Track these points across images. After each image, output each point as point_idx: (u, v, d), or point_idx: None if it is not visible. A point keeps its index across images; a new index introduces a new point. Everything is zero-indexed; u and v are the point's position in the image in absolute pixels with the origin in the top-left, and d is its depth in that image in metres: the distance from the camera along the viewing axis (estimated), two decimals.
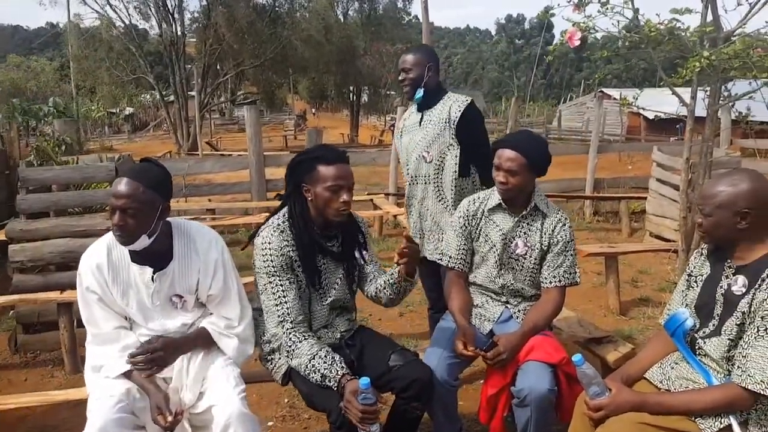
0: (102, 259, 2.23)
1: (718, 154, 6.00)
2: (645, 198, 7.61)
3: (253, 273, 2.41)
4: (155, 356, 2.17)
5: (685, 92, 4.35)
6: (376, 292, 2.53)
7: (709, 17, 4.03)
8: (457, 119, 3.06)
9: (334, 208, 2.33)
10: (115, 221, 2.13)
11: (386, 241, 7.43)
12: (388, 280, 2.45)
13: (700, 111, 4.25)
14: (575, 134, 28.54)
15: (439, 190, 3.13)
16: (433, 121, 3.12)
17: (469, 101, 3.13)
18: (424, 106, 3.17)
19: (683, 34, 3.91)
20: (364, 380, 2.02)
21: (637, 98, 4.31)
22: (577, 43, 3.65)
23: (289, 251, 2.33)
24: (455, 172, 3.08)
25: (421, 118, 3.19)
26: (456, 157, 3.07)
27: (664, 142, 14.98)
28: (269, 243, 2.33)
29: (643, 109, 4.31)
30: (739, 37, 3.79)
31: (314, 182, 2.32)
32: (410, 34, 36.66)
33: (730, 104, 4.14)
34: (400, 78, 3.16)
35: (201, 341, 2.32)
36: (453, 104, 3.10)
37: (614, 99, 22.72)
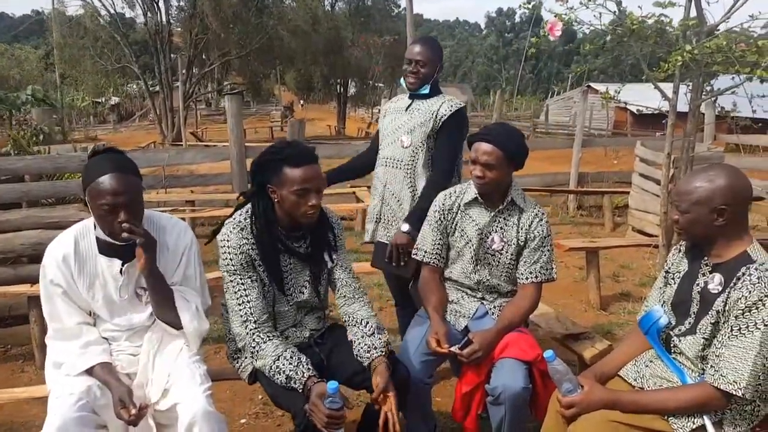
0: (69, 250, 2.16)
1: (701, 149, 5.98)
2: (628, 193, 7.60)
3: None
4: None
5: (668, 87, 4.32)
6: (344, 322, 2.43)
7: (693, 11, 3.99)
8: (446, 117, 2.97)
9: (301, 212, 2.22)
10: (122, 220, 2.04)
11: (366, 233, 7.35)
12: (361, 353, 2.29)
13: (684, 106, 4.23)
14: (562, 128, 28.55)
15: (410, 177, 3.03)
16: (422, 110, 3.04)
17: (462, 105, 3.07)
18: (418, 95, 3.09)
19: (667, 27, 3.87)
20: (333, 384, 1.96)
21: (619, 92, 4.28)
22: (558, 34, 3.60)
23: (248, 249, 2.24)
24: (429, 164, 3.02)
25: (410, 105, 3.11)
26: (430, 149, 3.01)
27: (650, 136, 15.02)
28: (228, 240, 2.24)
29: (626, 103, 4.28)
30: (722, 31, 3.76)
31: (280, 185, 2.21)
32: (399, 26, 36.47)
33: (714, 99, 4.10)
34: (411, 69, 3.03)
35: (163, 288, 2.19)
36: (447, 102, 3.03)
37: (601, 94, 22.72)
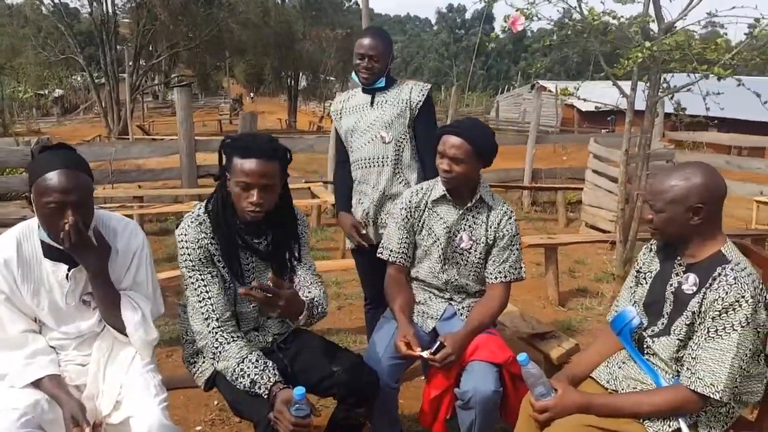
0: (11, 253, 1.97)
1: (655, 146, 6.09)
2: (581, 189, 7.69)
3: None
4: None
5: (625, 85, 4.34)
6: None
7: (651, 8, 4.01)
8: (421, 103, 2.92)
9: (242, 206, 2.10)
10: (72, 222, 1.87)
11: (324, 231, 7.24)
12: None
13: (640, 104, 4.25)
14: (512, 125, 28.94)
15: (400, 172, 2.93)
16: (390, 102, 2.93)
17: (429, 87, 3.01)
18: (376, 88, 2.97)
19: (625, 23, 3.87)
20: (299, 390, 1.85)
21: (578, 89, 4.27)
22: (520, 28, 3.56)
23: (207, 244, 2.11)
24: (415, 153, 2.93)
25: (373, 99, 2.98)
26: (413, 139, 2.93)
27: (597, 133, 15.31)
28: (185, 234, 2.11)
29: (585, 100, 4.27)
30: (679, 29, 3.78)
31: (231, 174, 2.09)
32: (351, 19, 36.29)
33: (670, 97, 4.14)
34: (363, 65, 2.90)
35: (108, 291, 2.03)
36: (414, 87, 2.95)
37: (549, 91, 23.06)
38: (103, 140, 19.23)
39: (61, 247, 1.95)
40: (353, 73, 2.99)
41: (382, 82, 2.94)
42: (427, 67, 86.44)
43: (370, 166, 2.96)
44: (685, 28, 3.75)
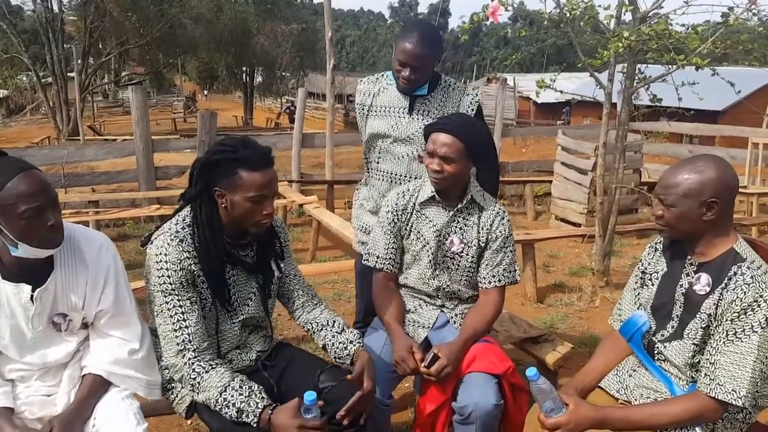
0: None
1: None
2: (550, 181, 7.64)
3: (147, 287, 1.98)
4: None
5: (600, 77, 4.26)
6: (308, 330, 2.22)
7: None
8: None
9: (254, 220, 1.92)
10: (54, 222, 1.71)
11: (291, 231, 7.02)
12: (338, 353, 2.13)
13: (601, 96, 4.18)
14: None
15: None
16: (434, 113, 2.57)
17: (479, 97, 2.64)
18: (416, 94, 2.61)
19: (601, 11, 3.78)
20: (310, 395, 1.74)
21: (554, 80, 4.17)
22: (500, 17, 3.43)
23: (190, 264, 1.90)
24: None
25: (412, 105, 2.63)
26: None
27: (552, 125, 15.43)
28: (165, 255, 1.88)
29: (562, 92, 4.17)
30: (659, 17, 3.71)
31: (233, 189, 1.89)
32: (304, 14, 35.83)
33: (646, 87, 4.07)
34: (404, 74, 2.50)
35: (96, 395, 1.87)
36: (463, 99, 2.61)
37: (508, 85, 23.18)
38: (53, 142, 18.54)
39: (25, 264, 1.75)
40: (391, 72, 2.64)
41: (424, 90, 2.60)
42: (383, 61, 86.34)
43: (398, 183, 2.67)
44: (665, 16, 3.67)
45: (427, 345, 2.34)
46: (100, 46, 25.53)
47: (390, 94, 2.69)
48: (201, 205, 1.94)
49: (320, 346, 2.18)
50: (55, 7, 23.08)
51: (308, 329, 2.21)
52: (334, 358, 2.13)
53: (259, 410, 1.80)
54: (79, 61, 22.03)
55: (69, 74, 23.21)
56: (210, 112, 8.27)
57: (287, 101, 33.30)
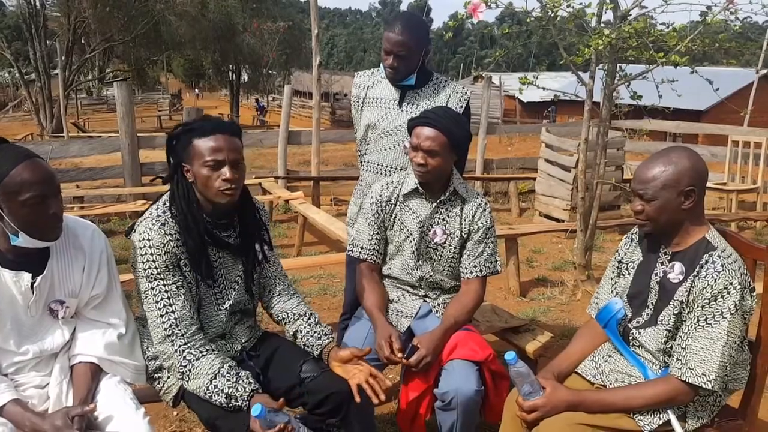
0: None
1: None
2: (533, 178, 7.72)
3: (133, 275, 2.01)
4: None
5: (583, 75, 4.33)
6: (281, 319, 2.23)
7: None
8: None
9: (215, 187, 1.92)
10: (56, 211, 1.73)
11: (277, 227, 7.04)
12: (311, 341, 2.16)
13: (583, 94, 4.25)
14: None
15: None
16: (423, 107, 2.58)
17: (469, 94, 2.68)
18: (406, 86, 2.63)
19: (583, 8, 3.85)
20: (256, 409, 1.72)
21: (537, 77, 4.24)
22: (481, 15, 3.48)
23: (173, 247, 1.92)
24: None
25: (402, 97, 2.66)
26: None
27: (537, 123, 15.55)
28: (148, 239, 1.90)
29: (544, 89, 4.24)
30: (636, 16, 3.78)
31: (191, 160, 1.92)
32: (290, 12, 35.74)
33: (627, 84, 4.15)
34: (388, 62, 2.54)
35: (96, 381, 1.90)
36: (452, 95, 2.63)
37: (493, 83, 23.31)
38: (36, 138, 18.39)
39: (22, 252, 1.77)
40: (381, 65, 2.67)
41: (412, 80, 2.62)
42: (369, 60, 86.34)
43: (384, 174, 2.70)
44: (645, 14, 3.75)
45: (410, 334, 2.39)
46: (84, 42, 25.32)
47: (383, 86, 2.73)
48: (177, 185, 1.97)
49: (290, 333, 2.20)
50: (38, 3, 22.89)
51: (282, 318, 2.21)
52: (304, 345, 2.15)
53: (247, 394, 1.85)
54: (63, 58, 21.86)
55: (53, 71, 23.02)
56: (196, 109, 8.32)
57: (273, 99, 33.20)
